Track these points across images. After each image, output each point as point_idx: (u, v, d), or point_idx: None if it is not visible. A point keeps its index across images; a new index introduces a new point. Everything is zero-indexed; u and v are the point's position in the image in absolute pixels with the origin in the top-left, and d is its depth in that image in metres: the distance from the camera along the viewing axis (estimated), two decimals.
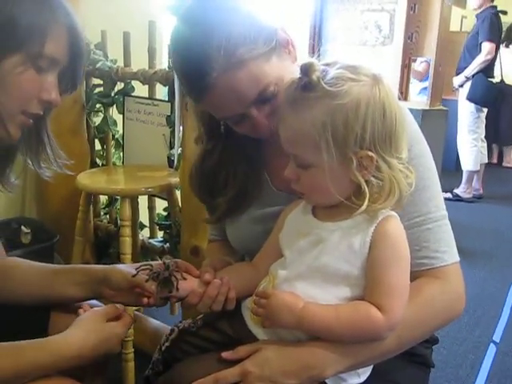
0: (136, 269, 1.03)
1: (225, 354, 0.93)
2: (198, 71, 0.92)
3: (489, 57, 4.45)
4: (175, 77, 1.84)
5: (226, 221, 1.17)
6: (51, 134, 1.07)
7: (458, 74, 4.73)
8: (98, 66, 2.22)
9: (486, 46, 4.44)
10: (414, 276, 0.93)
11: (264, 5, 0.98)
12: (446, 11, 4.26)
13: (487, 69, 4.55)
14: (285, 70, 0.96)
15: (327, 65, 0.86)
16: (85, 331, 0.95)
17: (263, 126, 0.99)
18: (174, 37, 0.98)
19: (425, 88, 4.37)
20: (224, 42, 0.89)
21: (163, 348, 1.06)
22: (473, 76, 4.53)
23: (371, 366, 0.95)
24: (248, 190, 1.11)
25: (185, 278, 0.99)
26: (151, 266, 1.02)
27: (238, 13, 0.93)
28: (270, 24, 0.96)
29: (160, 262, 1.02)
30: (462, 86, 4.66)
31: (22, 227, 2.25)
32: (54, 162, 1.08)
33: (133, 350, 1.87)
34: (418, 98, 4.22)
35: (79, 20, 0.97)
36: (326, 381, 0.90)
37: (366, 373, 0.95)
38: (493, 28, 4.46)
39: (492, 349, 2.40)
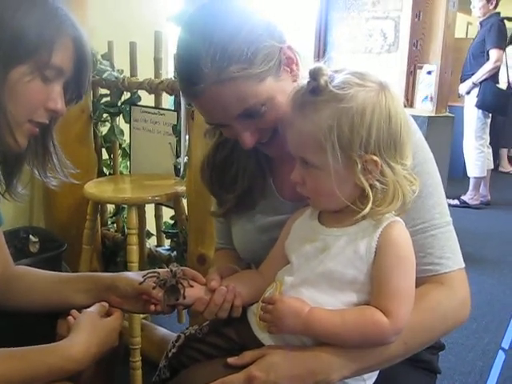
0: (143, 276, 1.04)
1: (231, 360, 0.93)
2: (188, 78, 0.95)
3: (498, 63, 4.48)
4: None
5: (232, 223, 1.18)
6: (57, 144, 1.08)
7: (463, 80, 4.74)
8: (104, 76, 2.24)
9: (495, 54, 4.46)
10: (419, 282, 0.93)
11: (272, 15, 0.97)
12: (451, 18, 4.25)
13: (494, 75, 4.57)
14: (278, 91, 0.96)
15: (335, 71, 0.88)
16: (87, 332, 0.96)
17: (244, 140, 0.99)
18: (177, 42, 0.99)
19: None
20: (218, 56, 0.90)
21: (170, 354, 1.06)
22: (480, 83, 4.54)
23: (377, 372, 0.95)
24: (256, 188, 1.12)
25: (191, 286, 1.00)
26: (158, 273, 1.03)
27: (240, 29, 0.92)
28: (275, 42, 0.95)
29: (167, 269, 1.02)
30: (468, 92, 4.67)
31: (30, 236, 2.26)
32: (60, 172, 1.09)
33: (140, 358, 1.88)
34: (424, 105, 4.22)
35: (85, 31, 0.99)
36: None
37: (371, 378, 0.95)
38: (500, 35, 4.49)
39: (501, 356, 2.38)
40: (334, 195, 0.87)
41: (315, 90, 0.86)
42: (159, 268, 2.21)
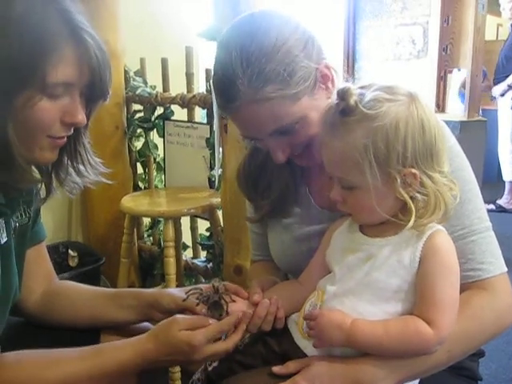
0: (186, 292, 1.05)
1: (275, 369, 0.93)
2: (225, 96, 0.97)
3: None
4: (213, 99, 1.88)
5: (269, 233, 1.19)
6: (87, 145, 1.04)
7: (496, 83, 4.67)
8: (138, 92, 2.29)
9: None
10: (462, 289, 0.92)
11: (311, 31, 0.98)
12: (481, 21, 4.20)
13: None
14: (312, 109, 0.97)
15: (363, 87, 0.88)
16: (155, 337, 0.95)
17: (277, 155, 1.01)
18: (214, 59, 1.00)
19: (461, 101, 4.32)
20: (255, 76, 0.92)
21: (210, 368, 1.06)
22: None
23: (418, 380, 0.95)
24: (289, 196, 1.13)
25: (234, 301, 1.01)
26: (201, 289, 1.03)
27: (278, 49, 0.93)
28: (312, 63, 0.96)
29: (209, 285, 1.03)
30: (502, 95, 4.60)
31: (69, 251, 2.32)
32: (90, 172, 1.05)
33: (179, 369, 1.89)
34: (456, 109, 4.17)
35: (93, 31, 0.90)
36: None
37: None
38: None
39: None
40: (375, 211, 0.87)
41: (345, 111, 0.86)
42: (196, 280, 2.25)
